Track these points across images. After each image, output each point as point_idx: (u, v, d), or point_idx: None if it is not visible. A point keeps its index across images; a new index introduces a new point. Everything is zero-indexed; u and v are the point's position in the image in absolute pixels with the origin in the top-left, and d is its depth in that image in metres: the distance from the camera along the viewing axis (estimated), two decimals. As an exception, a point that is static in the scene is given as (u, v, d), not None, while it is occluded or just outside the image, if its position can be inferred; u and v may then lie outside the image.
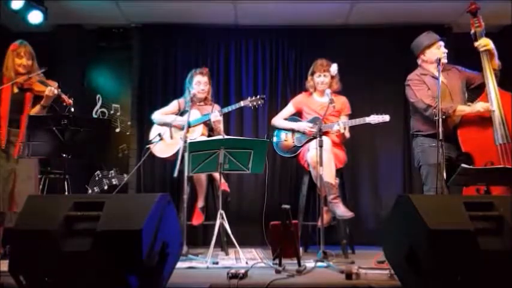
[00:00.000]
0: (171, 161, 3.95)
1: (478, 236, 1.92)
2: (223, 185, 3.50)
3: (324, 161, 3.23)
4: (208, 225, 4.11)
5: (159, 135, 3.88)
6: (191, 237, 4.00)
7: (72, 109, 3.43)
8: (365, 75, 4.94)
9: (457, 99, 3.42)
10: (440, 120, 3.00)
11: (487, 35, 3.41)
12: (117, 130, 5.19)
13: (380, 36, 4.96)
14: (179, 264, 2.53)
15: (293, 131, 3.96)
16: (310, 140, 3.77)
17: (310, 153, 3.62)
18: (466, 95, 3.50)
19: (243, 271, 2.38)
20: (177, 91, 4.68)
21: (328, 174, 3.45)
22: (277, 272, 2.58)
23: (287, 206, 2.79)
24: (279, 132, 4.05)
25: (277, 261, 2.80)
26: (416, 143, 3.52)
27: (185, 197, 3.42)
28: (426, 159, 3.39)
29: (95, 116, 5.13)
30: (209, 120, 3.92)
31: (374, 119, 3.67)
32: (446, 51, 3.49)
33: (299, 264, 2.75)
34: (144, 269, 1.92)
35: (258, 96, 3.96)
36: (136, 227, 1.89)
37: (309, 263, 2.89)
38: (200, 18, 4.91)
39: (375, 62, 4.96)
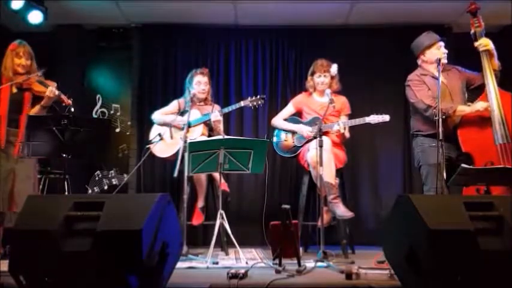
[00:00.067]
0: (171, 161, 3.95)
1: (478, 236, 1.92)
2: (223, 185, 3.50)
3: (324, 161, 3.23)
4: (208, 225, 4.11)
5: (159, 135, 3.88)
6: (191, 237, 4.00)
7: (72, 109, 3.44)
8: (365, 75, 4.94)
9: (457, 99, 3.42)
10: (440, 120, 3.00)
11: (487, 35, 3.41)
12: (117, 130, 5.19)
13: (380, 36, 4.96)
14: (179, 264, 2.53)
15: (293, 131, 3.96)
16: (310, 140, 3.77)
17: (310, 153, 3.62)
18: (466, 95, 3.50)
19: (243, 271, 2.38)
20: (177, 91, 4.68)
21: (328, 174, 3.45)
22: (277, 272, 2.58)
23: (287, 206, 2.79)
24: (279, 132, 4.05)
25: (277, 261, 2.80)
26: (416, 143, 3.53)
27: (185, 197, 3.42)
28: (426, 159, 3.39)
29: (95, 116, 5.13)
30: (209, 120, 3.93)
31: (374, 119, 3.67)
32: (446, 51, 3.49)
33: (299, 264, 2.75)
34: (144, 269, 1.92)
35: (258, 96, 3.96)
36: (136, 227, 1.88)
37: (309, 263, 2.89)
38: (200, 18, 4.91)
39: (375, 62, 4.96)
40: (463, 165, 2.88)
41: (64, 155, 3.07)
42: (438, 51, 3.46)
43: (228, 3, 4.59)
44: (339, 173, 3.75)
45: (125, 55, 5.13)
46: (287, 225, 2.80)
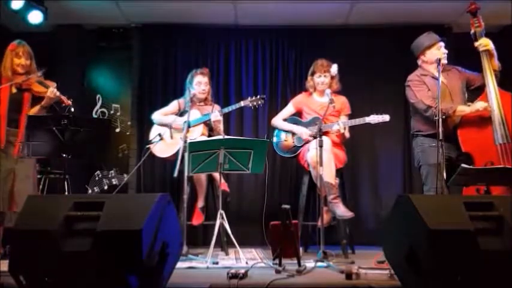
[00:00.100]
0: (171, 161, 3.95)
1: (478, 236, 1.92)
2: (223, 185, 3.50)
3: (324, 161, 3.23)
4: (208, 225, 4.11)
5: (159, 135, 3.88)
6: (191, 237, 4.00)
7: (72, 109, 3.44)
8: (365, 75, 4.94)
9: (457, 99, 3.42)
10: (440, 120, 3.00)
11: (487, 35, 3.42)
12: (117, 130, 5.19)
13: (380, 36, 4.96)
14: (179, 264, 2.53)
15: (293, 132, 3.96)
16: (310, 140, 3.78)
17: (310, 153, 3.62)
18: (466, 95, 3.50)
19: (243, 271, 2.38)
20: (177, 91, 4.69)
21: (328, 174, 3.45)
22: (277, 272, 2.58)
23: (287, 206, 2.78)
24: (279, 132, 4.05)
25: (277, 261, 2.80)
26: (416, 143, 3.53)
27: (185, 197, 3.42)
28: (426, 159, 3.39)
29: (95, 116, 5.13)
30: (209, 120, 3.92)
31: (374, 118, 3.67)
32: (446, 51, 3.49)
33: (299, 264, 2.75)
34: (144, 269, 1.92)
35: (258, 96, 3.96)
36: (136, 227, 1.88)
37: (309, 263, 2.89)
38: (200, 18, 4.91)
39: (375, 62, 4.96)
40: (463, 165, 2.88)
41: (64, 155, 3.07)
42: (438, 52, 3.46)
43: (228, 3, 4.59)
44: (339, 173, 3.75)
45: (125, 55, 5.13)
46: (287, 225, 2.80)
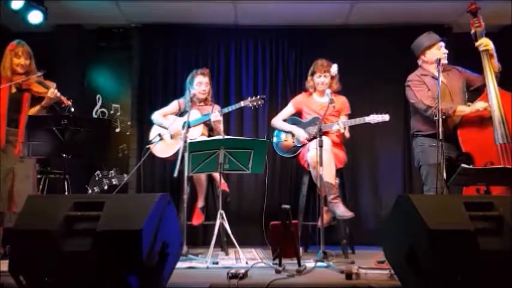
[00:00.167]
0: (171, 161, 3.95)
1: (478, 236, 1.92)
2: (223, 185, 3.50)
3: (324, 161, 3.23)
4: (208, 225, 4.11)
5: (159, 135, 3.88)
6: (191, 237, 4.00)
7: (72, 109, 3.44)
8: (365, 75, 4.94)
9: (457, 99, 3.42)
10: (440, 120, 3.00)
11: (487, 35, 3.41)
12: (117, 130, 5.19)
13: (380, 36, 4.96)
14: (179, 264, 2.53)
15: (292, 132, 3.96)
16: (310, 140, 3.77)
17: (310, 153, 3.62)
18: (466, 95, 3.50)
19: (243, 271, 2.38)
20: (177, 91, 4.69)
21: (328, 174, 3.45)
22: (277, 272, 2.58)
23: (287, 206, 2.78)
24: (279, 132, 4.05)
25: (277, 261, 2.79)
26: (416, 143, 3.53)
27: (185, 197, 3.42)
28: (426, 159, 3.39)
29: (95, 116, 5.13)
30: (209, 120, 3.92)
31: (374, 118, 3.67)
32: (446, 51, 3.49)
33: (299, 264, 2.75)
34: (144, 269, 1.92)
35: (258, 96, 3.96)
36: (136, 227, 1.88)
37: (309, 263, 2.89)
38: (200, 18, 4.91)
39: (375, 62, 4.96)
40: (463, 165, 2.88)
41: (64, 155, 3.08)
42: (438, 52, 3.46)
43: (228, 3, 4.59)
44: (339, 173, 3.75)
45: (125, 55, 5.13)
46: (287, 225, 2.80)
